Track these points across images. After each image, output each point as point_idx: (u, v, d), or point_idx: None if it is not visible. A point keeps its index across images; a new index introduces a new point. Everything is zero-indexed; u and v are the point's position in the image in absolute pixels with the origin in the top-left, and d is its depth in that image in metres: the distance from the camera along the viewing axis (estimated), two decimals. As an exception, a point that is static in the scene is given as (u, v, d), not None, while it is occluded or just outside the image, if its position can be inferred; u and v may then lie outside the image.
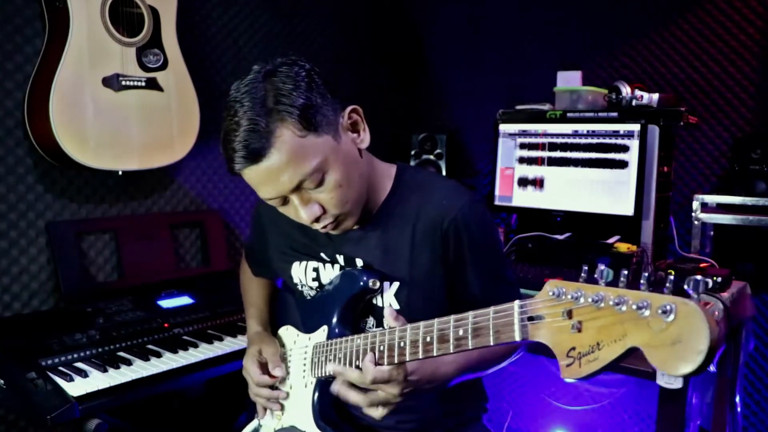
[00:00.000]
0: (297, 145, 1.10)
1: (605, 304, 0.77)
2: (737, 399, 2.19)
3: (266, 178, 1.12)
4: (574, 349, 0.79)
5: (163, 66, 2.05)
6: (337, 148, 1.15)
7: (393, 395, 1.10)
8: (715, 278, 1.94)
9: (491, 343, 0.93)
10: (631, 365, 1.77)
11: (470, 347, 0.97)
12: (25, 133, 1.93)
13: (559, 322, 0.82)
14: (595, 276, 0.82)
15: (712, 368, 1.76)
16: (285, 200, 1.18)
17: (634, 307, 0.73)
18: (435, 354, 1.01)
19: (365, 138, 1.23)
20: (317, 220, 1.18)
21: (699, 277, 0.73)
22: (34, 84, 1.89)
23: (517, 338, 0.89)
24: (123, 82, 1.95)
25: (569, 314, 0.81)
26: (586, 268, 0.85)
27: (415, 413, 1.34)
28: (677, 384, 1.68)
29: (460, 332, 0.98)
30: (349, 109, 1.20)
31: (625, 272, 0.79)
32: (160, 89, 2.04)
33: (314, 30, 2.83)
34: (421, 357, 1.03)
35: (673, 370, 0.69)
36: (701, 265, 2.11)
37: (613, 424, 2.68)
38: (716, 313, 1.82)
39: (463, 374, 1.20)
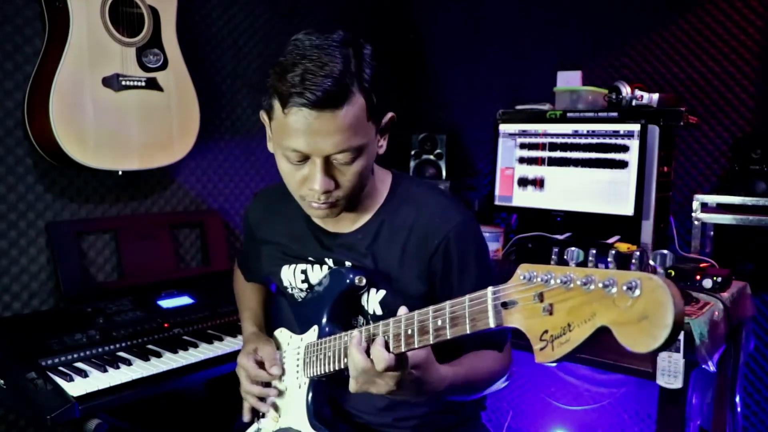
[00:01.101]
0: (360, 118, 1.13)
1: (574, 284, 0.77)
2: (737, 399, 2.19)
3: (317, 129, 1.10)
4: (546, 332, 0.79)
5: (163, 66, 2.05)
6: (373, 141, 1.20)
7: (388, 383, 1.05)
8: (715, 278, 1.94)
9: (468, 331, 0.93)
10: (631, 365, 1.78)
11: (449, 337, 0.97)
12: (25, 133, 1.93)
13: (531, 306, 0.82)
14: (566, 258, 0.82)
15: (712, 368, 1.76)
16: (305, 160, 1.15)
17: (601, 285, 0.73)
18: (416, 345, 1.01)
19: (384, 146, 1.25)
20: (326, 193, 1.16)
21: (665, 251, 0.74)
22: (34, 84, 1.90)
23: (492, 324, 0.89)
24: (123, 82, 1.95)
25: (540, 297, 0.81)
26: (557, 250, 0.85)
27: (413, 411, 1.34)
28: (677, 384, 1.68)
29: (439, 322, 0.98)
30: (390, 114, 1.23)
31: (594, 252, 0.80)
32: (160, 89, 2.04)
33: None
34: (404, 350, 1.03)
35: (640, 347, 0.69)
36: (701, 265, 2.10)
37: (613, 424, 2.68)
38: (716, 313, 1.82)
39: (452, 392, 1.18)
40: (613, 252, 0.71)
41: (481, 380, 1.25)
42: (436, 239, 1.24)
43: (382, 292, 1.28)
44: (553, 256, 0.80)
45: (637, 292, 0.70)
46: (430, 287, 1.27)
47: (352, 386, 1.10)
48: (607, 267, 2.04)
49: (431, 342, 0.99)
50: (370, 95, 1.13)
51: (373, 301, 1.29)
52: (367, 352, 1.06)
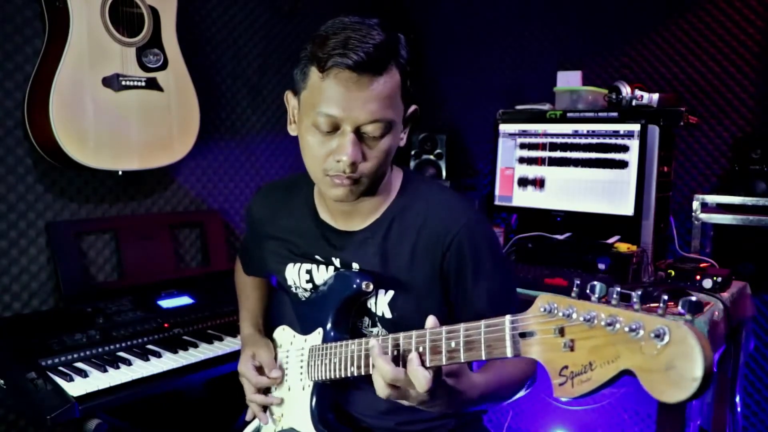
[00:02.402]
0: (395, 93, 1.13)
1: (597, 323, 0.75)
2: (737, 399, 2.19)
3: (353, 95, 1.09)
4: (566, 367, 0.77)
5: (163, 66, 2.05)
6: (398, 126, 1.18)
7: (421, 395, 1.02)
8: (715, 278, 1.94)
9: (483, 358, 0.92)
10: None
11: (462, 360, 0.95)
12: (25, 133, 1.93)
13: (551, 340, 0.80)
14: (587, 292, 0.80)
15: (712, 368, 1.76)
16: (334, 130, 1.13)
17: (627, 329, 0.71)
18: (428, 365, 0.99)
19: (404, 139, 1.24)
20: (353, 165, 1.13)
21: (693, 297, 0.71)
22: (34, 84, 1.89)
23: (509, 354, 0.87)
24: (123, 82, 1.95)
25: (561, 332, 0.79)
26: (578, 282, 0.83)
27: (416, 414, 1.33)
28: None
29: (452, 344, 0.96)
30: (415, 106, 1.23)
31: (618, 289, 0.77)
32: (160, 89, 2.04)
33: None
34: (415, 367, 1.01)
35: (667, 397, 0.67)
36: (701, 265, 2.10)
37: (613, 424, 2.68)
38: (716, 313, 1.82)
39: (483, 402, 1.14)
40: (641, 291, 0.69)
41: (509, 387, 1.22)
42: (448, 237, 1.22)
43: (391, 293, 1.25)
44: (574, 288, 0.78)
45: (666, 339, 0.67)
46: (443, 288, 1.25)
47: (383, 395, 1.06)
48: (607, 267, 2.04)
49: (444, 363, 0.97)
50: (405, 76, 1.14)
51: (381, 303, 1.26)
52: (395, 361, 1.03)
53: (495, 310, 1.19)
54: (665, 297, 0.72)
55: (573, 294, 0.82)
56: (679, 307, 0.71)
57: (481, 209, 2.76)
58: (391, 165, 1.28)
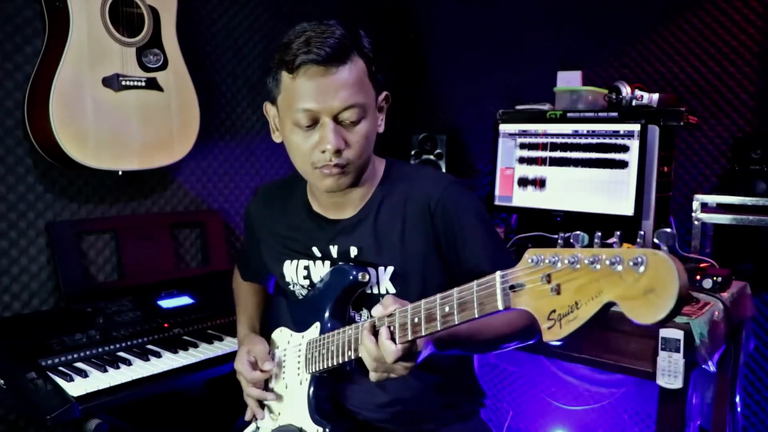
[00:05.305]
0: (362, 78, 1.21)
1: (581, 264, 0.79)
2: (737, 399, 2.19)
3: (324, 86, 1.16)
4: (554, 311, 0.82)
5: (163, 66, 2.05)
6: (375, 110, 1.27)
7: (407, 368, 1.09)
8: (715, 278, 1.93)
9: (476, 315, 0.95)
10: (631, 365, 1.78)
11: (456, 322, 0.98)
12: (25, 133, 1.93)
13: (539, 287, 0.84)
14: (572, 241, 0.84)
15: (712, 368, 1.76)
16: (314, 124, 1.20)
17: (608, 263, 0.76)
18: (424, 333, 1.03)
19: (382, 125, 1.31)
20: (338, 153, 1.20)
21: (668, 230, 0.76)
22: (34, 84, 1.89)
23: (500, 307, 0.91)
24: (123, 82, 1.95)
25: (548, 278, 0.83)
26: (564, 235, 0.87)
27: (412, 406, 1.35)
28: (677, 384, 1.68)
29: (446, 309, 1.00)
30: (385, 92, 1.30)
31: (599, 234, 0.82)
32: (160, 89, 2.04)
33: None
34: (410, 338, 1.05)
35: (647, 318, 0.72)
36: (701, 265, 2.10)
37: (613, 424, 2.68)
38: (716, 313, 1.82)
39: (469, 343, 1.20)
40: (618, 233, 0.74)
41: (497, 330, 1.23)
42: (432, 201, 1.28)
43: (391, 269, 1.30)
44: (559, 241, 0.83)
45: (643, 267, 0.72)
46: (439, 253, 1.29)
47: (373, 376, 1.12)
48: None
49: (438, 329, 1.01)
50: (370, 61, 1.22)
51: (383, 280, 1.30)
52: (392, 336, 1.08)
53: (494, 263, 1.21)
54: (641, 233, 0.77)
55: (559, 245, 0.85)
56: (655, 239, 0.76)
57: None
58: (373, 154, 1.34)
